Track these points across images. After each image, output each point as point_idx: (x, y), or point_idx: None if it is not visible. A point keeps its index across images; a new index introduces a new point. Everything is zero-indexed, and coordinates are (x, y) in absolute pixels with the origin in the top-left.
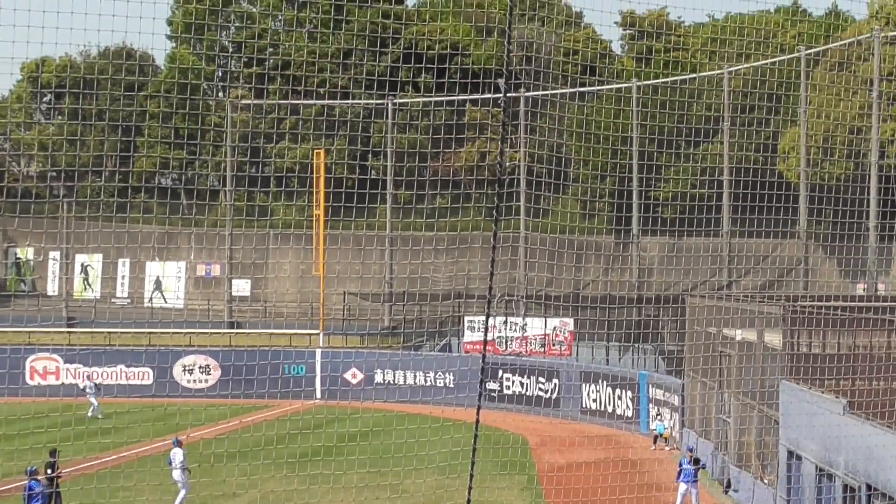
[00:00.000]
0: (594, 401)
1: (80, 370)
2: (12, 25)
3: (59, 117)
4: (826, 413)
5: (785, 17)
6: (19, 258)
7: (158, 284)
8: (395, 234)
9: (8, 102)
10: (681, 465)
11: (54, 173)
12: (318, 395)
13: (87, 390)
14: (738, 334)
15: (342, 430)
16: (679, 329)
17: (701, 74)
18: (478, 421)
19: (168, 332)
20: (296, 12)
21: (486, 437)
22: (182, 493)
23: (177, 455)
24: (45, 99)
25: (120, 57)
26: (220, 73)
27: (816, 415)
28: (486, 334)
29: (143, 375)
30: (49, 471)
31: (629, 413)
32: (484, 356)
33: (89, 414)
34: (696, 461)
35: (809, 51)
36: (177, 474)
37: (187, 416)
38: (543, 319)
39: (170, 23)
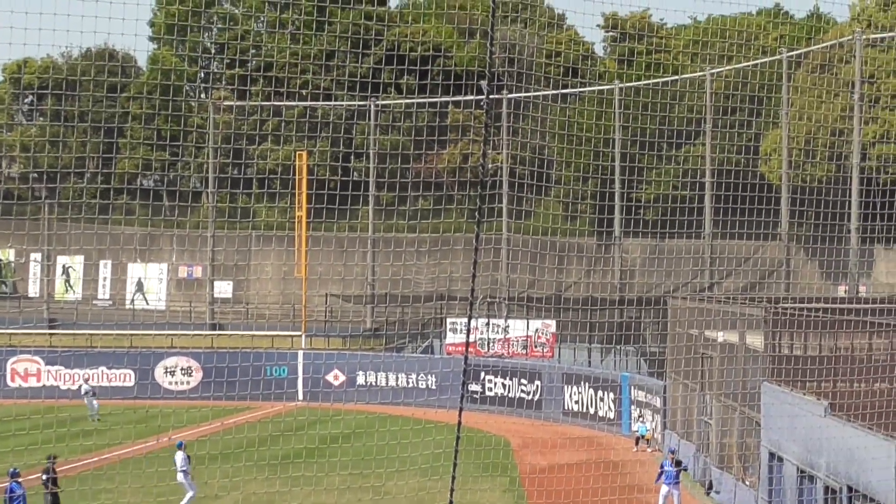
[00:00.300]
0: (576, 402)
1: (62, 372)
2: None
3: (41, 118)
4: (807, 415)
5: (767, 20)
6: (0, 260)
7: (140, 286)
8: (378, 236)
9: None
10: (662, 466)
11: (36, 175)
12: (301, 396)
13: (85, 393)
14: (720, 336)
15: (324, 432)
16: (661, 331)
17: (683, 76)
18: (460, 423)
19: (150, 334)
20: (278, 14)
21: (469, 438)
22: (189, 493)
23: (178, 458)
24: (26, 100)
25: (102, 58)
26: (203, 75)
27: (798, 416)
28: (468, 336)
29: (125, 377)
30: (44, 475)
31: (611, 415)
32: (466, 358)
33: (91, 417)
34: (678, 463)
35: (791, 53)
36: (180, 477)
37: (169, 419)
38: (526, 321)
39: (152, 24)
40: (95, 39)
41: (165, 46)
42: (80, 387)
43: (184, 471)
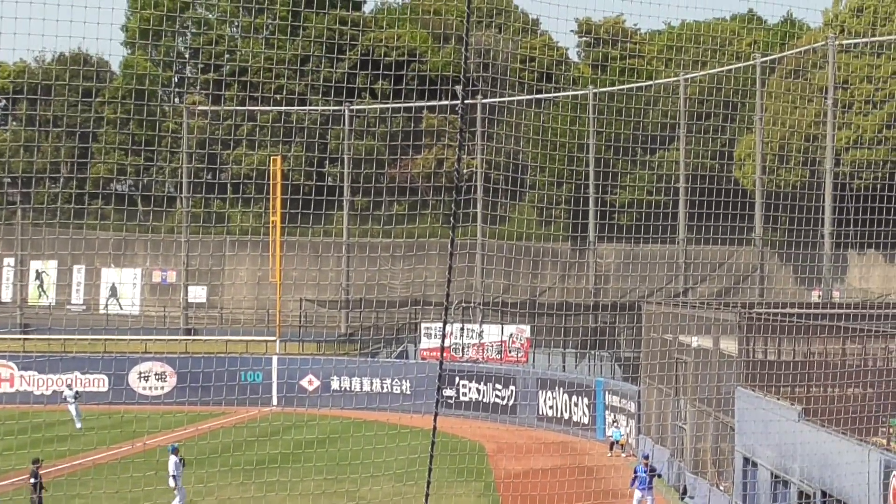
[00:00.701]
0: (550, 407)
1: (35, 377)
2: None
3: (14, 123)
4: (781, 420)
5: (740, 25)
6: None
7: (114, 291)
8: (352, 241)
9: None
10: (636, 472)
11: (9, 179)
12: (275, 402)
13: (67, 399)
14: (694, 341)
15: (299, 437)
16: (635, 336)
17: (657, 81)
18: (435, 428)
19: (124, 339)
20: (253, 18)
21: (443, 443)
22: (176, 499)
23: (170, 462)
24: None
25: (75, 63)
26: (177, 79)
27: (772, 422)
28: (443, 341)
29: (99, 382)
30: (32, 479)
31: (585, 420)
32: (441, 363)
33: (76, 423)
34: (652, 469)
35: (765, 58)
36: (172, 482)
37: (144, 424)
38: (500, 326)
39: (125, 29)
40: (69, 44)
41: (139, 51)
42: (62, 393)
43: (174, 476)
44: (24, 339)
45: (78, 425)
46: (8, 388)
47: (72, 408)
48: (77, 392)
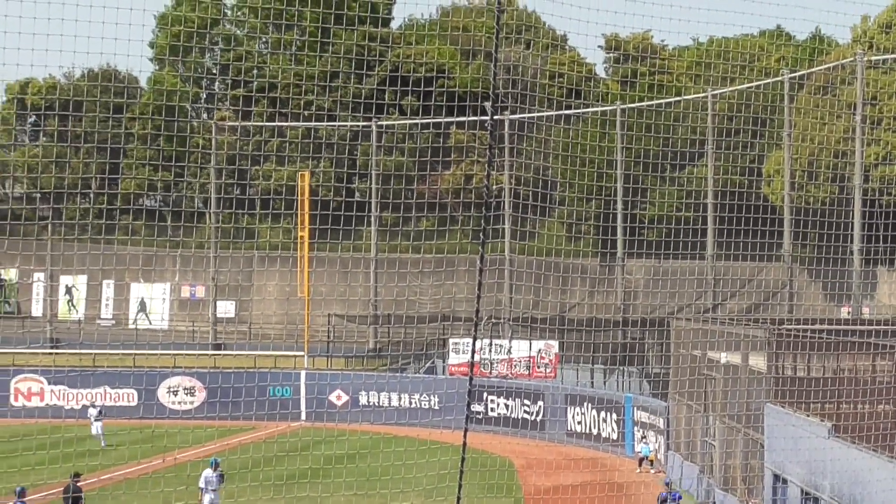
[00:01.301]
0: (579, 423)
1: (65, 391)
2: (2, 48)
3: (44, 138)
4: (811, 436)
5: (769, 41)
6: (3, 280)
7: (143, 306)
8: (381, 257)
9: None
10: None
11: (39, 195)
12: (304, 416)
13: (91, 417)
14: (723, 357)
15: (328, 453)
16: (664, 352)
17: (685, 97)
18: (465, 443)
19: (153, 354)
20: (281, 34)
21: (472, 459)
22: None
23: (207, 475)
24: (29, 120)
25: (104, 78)
26: (205, 95)
27: (801, 438)
28: (472, 356)
29: (129, 397)
30: (69, 493)
31: (614, 436)
32: (471, 379)
33: (101, 441)
34: (672, 495)
35: (793, 74)
36: (208, 499)
37: (174, 438)
38: (528, 342)
39: (153, 45)
40: (98, 60)
41: (167, 67)
42: (86, 409)
43: (202, 489)
44: (55, 353)
45: (103, 444)
46: (38, 402)
47: (95, 426)
48: (101, 410)
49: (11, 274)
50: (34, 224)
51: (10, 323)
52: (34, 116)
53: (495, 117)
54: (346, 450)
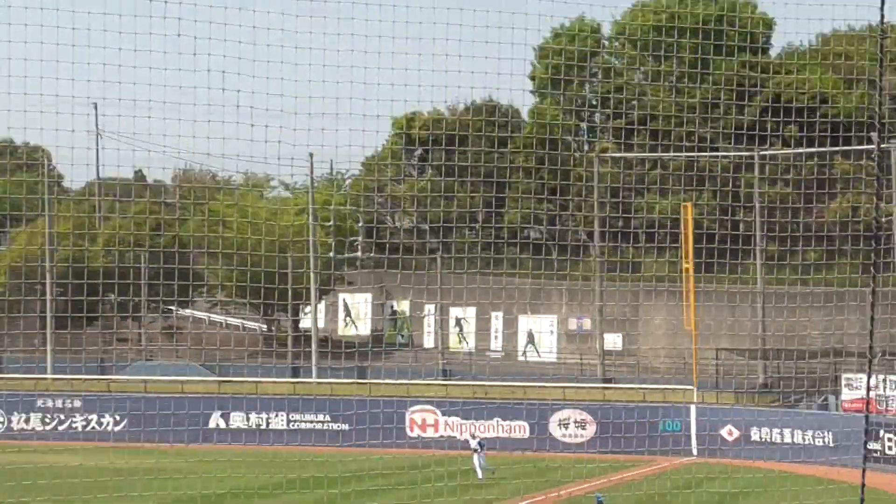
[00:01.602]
0: None
1: (458, 423)
2: (390, 84)
3: (431, 171)
4: None
5: None
6: (396, 312)
7: (531, 338)
8: (768, 290)
9: (381, 158)
10: None
11: (428, 227)
12: (695, 452)
13: (472, 448)
14: None
15: (722, 490)
16: None
17: None
18: (863, 483)
19: (543, 386)
20: (661, 65)
21: (872, 499)
22: None
23: None
24: (416, 154)
25: (486, 112)
26: (585, 127)
27: None
28: (867, 393)
29: (520, 429)
30: None
31: None
32: (867, 417)
33: (478, 474)
34: None
35: None
36: None
37: (565, 472)
38: None
39: (532, 77)
40: (481, 93)
41: (548, 99)
42: (467, 441)
43: None
44: (447, 384)
45: (479, 475)
46: (433, 433)
47: (476, 458)
48: (481, 442)
49: (404, 306)
50: (424, 257)
51: (405, 354)
52: (421, 150)
53: (882, 146)
54: (741, 487)
